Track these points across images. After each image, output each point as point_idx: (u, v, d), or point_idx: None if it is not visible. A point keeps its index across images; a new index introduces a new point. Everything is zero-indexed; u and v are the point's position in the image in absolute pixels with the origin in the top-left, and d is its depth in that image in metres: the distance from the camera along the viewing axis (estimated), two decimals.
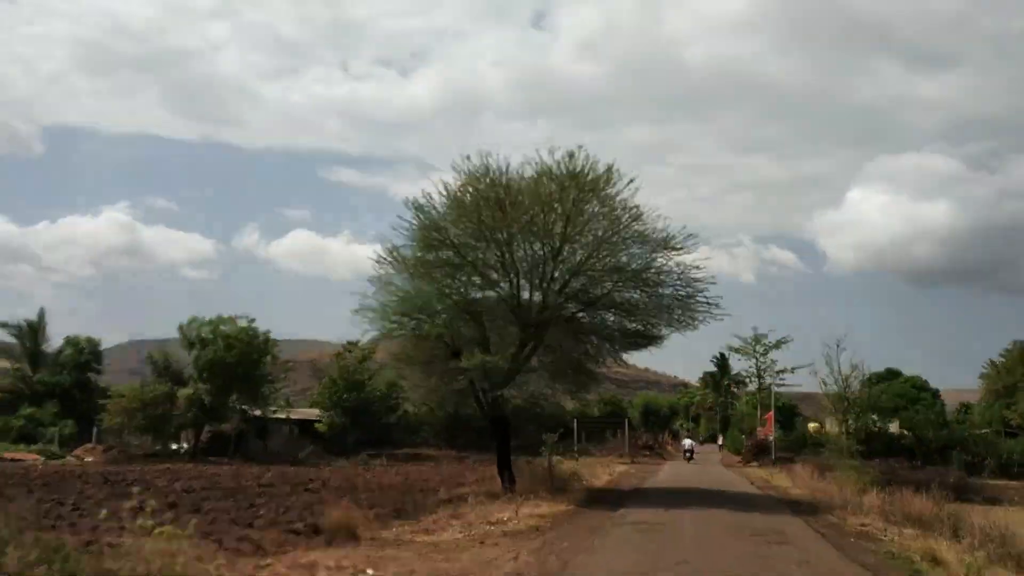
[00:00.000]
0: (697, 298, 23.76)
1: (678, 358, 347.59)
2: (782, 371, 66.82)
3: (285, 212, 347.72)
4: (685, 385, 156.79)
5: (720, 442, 78.40)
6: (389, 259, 23.17)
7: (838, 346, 55.83)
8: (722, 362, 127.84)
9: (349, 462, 52.74)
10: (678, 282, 23.76)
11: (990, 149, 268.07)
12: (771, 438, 48.63)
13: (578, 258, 23.50)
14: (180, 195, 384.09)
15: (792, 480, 31.68)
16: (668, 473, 39.09)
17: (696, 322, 24.16)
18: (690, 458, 56.97)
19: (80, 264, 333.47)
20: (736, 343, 69.01)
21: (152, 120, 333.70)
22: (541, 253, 23.15)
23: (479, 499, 21.68)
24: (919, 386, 78.44)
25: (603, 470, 35.83)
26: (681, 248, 23.35)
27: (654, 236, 23.27)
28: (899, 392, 72.90)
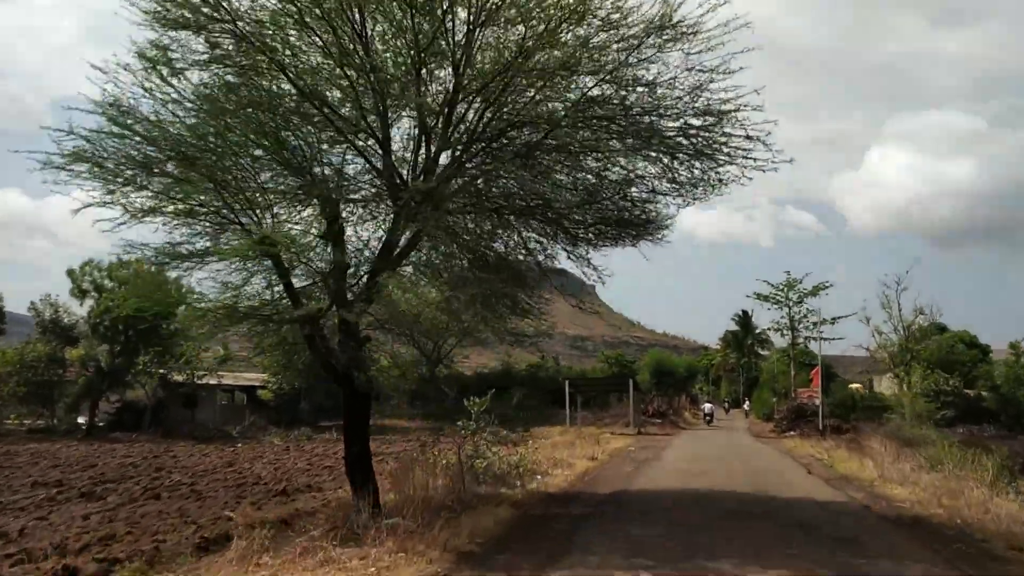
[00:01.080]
0: (723, 131, 11.95)
1: (695, 320, 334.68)
2: (820, 323, 54.80)
3: None
4: (705, 348, 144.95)
5: (747, 406, 66.60)
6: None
7: (899, 285, 44.03)
8: (745, 320, 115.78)
9: (286, 436, 41.72)
10: (687, 102, 11.91)
11: (1014, 106, 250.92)
12: (817, 402, 36.70)
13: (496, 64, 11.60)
14: None
15: (871, 465, 19.82)
16: (679, 452, 27.39)
17: (719, 177, 12.38)
18: (710, 421, 54.56)
19: (95, 238, 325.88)
20: (765, 290, 56.76)
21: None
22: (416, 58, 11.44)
23: (305, 540, 10.33)
24: (969, 342, 66.16)
25: (585, 451, 24.31)
26: (693, 32, 11.56)
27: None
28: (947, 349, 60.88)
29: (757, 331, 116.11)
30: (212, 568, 8.96)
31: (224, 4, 10.77)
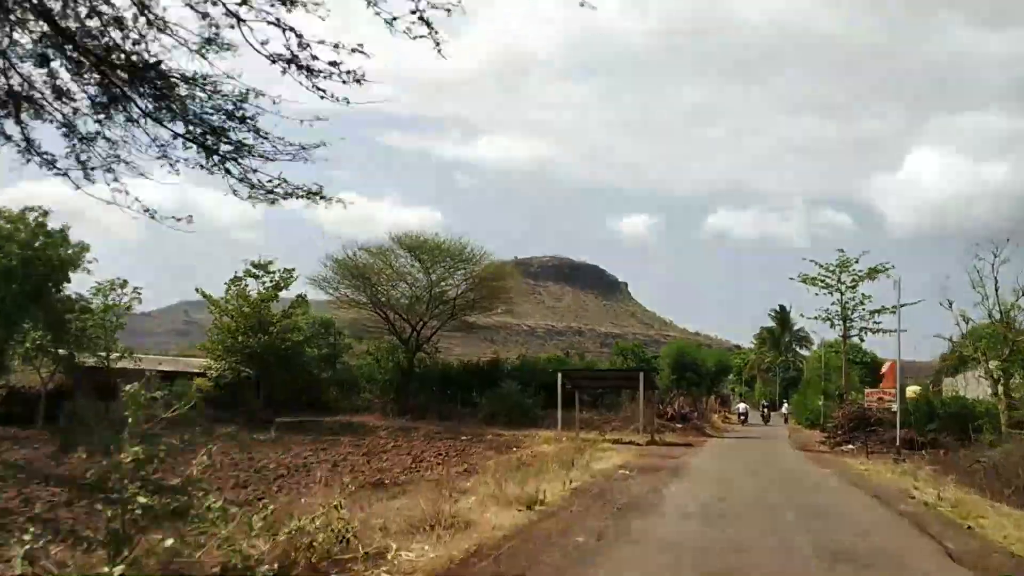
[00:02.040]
0: None
1: (728, 321, 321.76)
2: (878, 311, 44.35)
3: (332, 174, 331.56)
4: (738, 348, 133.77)
5: (785, 410, 56.17)
6: None
7: (996, 257, 33.46)
8: (782, 315, 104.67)
9: (225, 437, 32.50)
10: None
11: None
12: (894, 407, 26.39)
13: None
14: None
15: None
16: (696, 483, 17.18)
17: None
18: (744, 420, 51.57)
19: (131, 227, 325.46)
20: (812, 271, 46.29)
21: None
22: None
23: None
24: None
25: (549, 479, 14.54)
26: None
27: None
28: None
29: (796, 328, 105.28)
30: None
31: None
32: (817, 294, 46.58)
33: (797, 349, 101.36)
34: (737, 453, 27.18)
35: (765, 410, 55.06)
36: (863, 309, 45.15)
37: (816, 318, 46.28)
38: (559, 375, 30.91)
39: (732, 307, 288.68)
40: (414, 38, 6.57)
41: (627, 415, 39.29)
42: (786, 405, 56.44)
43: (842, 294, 45.79)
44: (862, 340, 45.17)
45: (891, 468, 22.00)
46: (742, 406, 55.20)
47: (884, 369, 28.05)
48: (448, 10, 6.49)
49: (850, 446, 31.72)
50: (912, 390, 37.17)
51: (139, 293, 37.28)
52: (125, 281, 36.19)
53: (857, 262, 45.15)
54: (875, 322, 44.81)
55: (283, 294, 42.17)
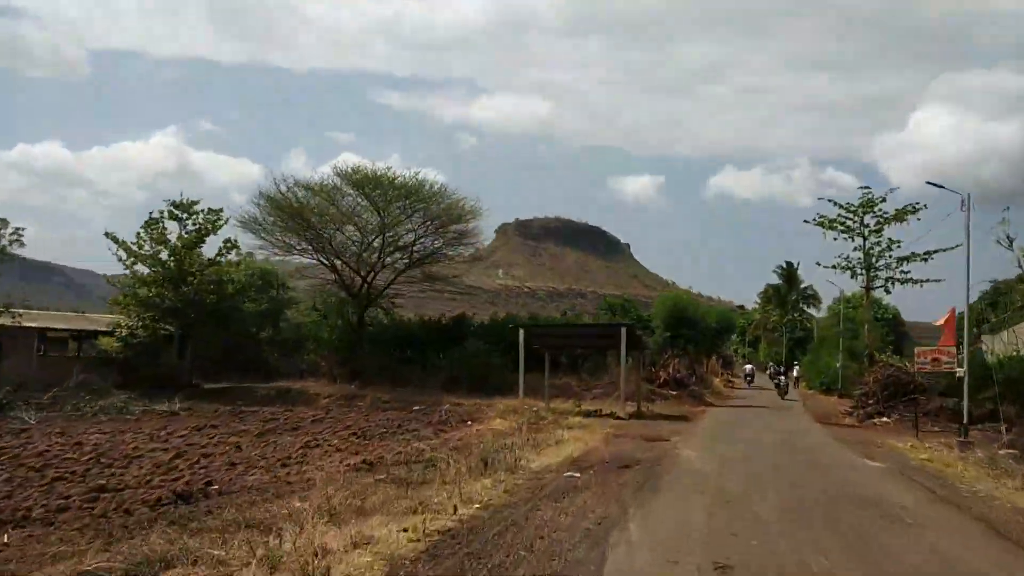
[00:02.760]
0: None
1: (731, 282, 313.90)
2: (907, 258, 37.24)
3: (333, 136, 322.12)
4: (741, 308, 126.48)
5: (795, 373, 49.27)
6: None
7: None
8: (789, 272, 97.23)
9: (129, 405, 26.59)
10: None
11: None
12: (960, 372, 19.34)
13: None
14: (228, 119, 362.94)
15: None
16: (677, 504, 10.11)
17: None
18: (751, 382, 48.71)
19: (132, 188, 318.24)
20: (830, 212, 39.18)
21: (199, 42, 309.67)
22: None
23: None
24: None
25: (430, 497, 7.64)
26: None
27: None
28: None
29: (803, 285, 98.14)
30: None
31: None
32: (836, 239, 39.67)
33: (805, 308, 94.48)
34: (744, 432, 20.38)
35: (782, 378, 44.90)
36: (889, 256, 38.24)
37: (835, 267, 39.34)
38: (520, 332, 24.08)
39: (735, 268, 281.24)
40: None
41: (612, 380, 32.58)
42: (796, 367, 49.55)
43: (865, 239, 38.85)
44: (888, 292, 38.27)
45: (960, 456, 15.23)
46: (748, 367, 53.04)
47: (941, 320, 20.97)
48: None
49: (884, 419, 24.98)
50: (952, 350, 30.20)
51: (20, 234, 30.58)
52: (4, 221, 29.38)
53: (883, 201, 38.07)
54: (902, 271, 38.01)
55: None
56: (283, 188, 32.76)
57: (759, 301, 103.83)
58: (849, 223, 39.03)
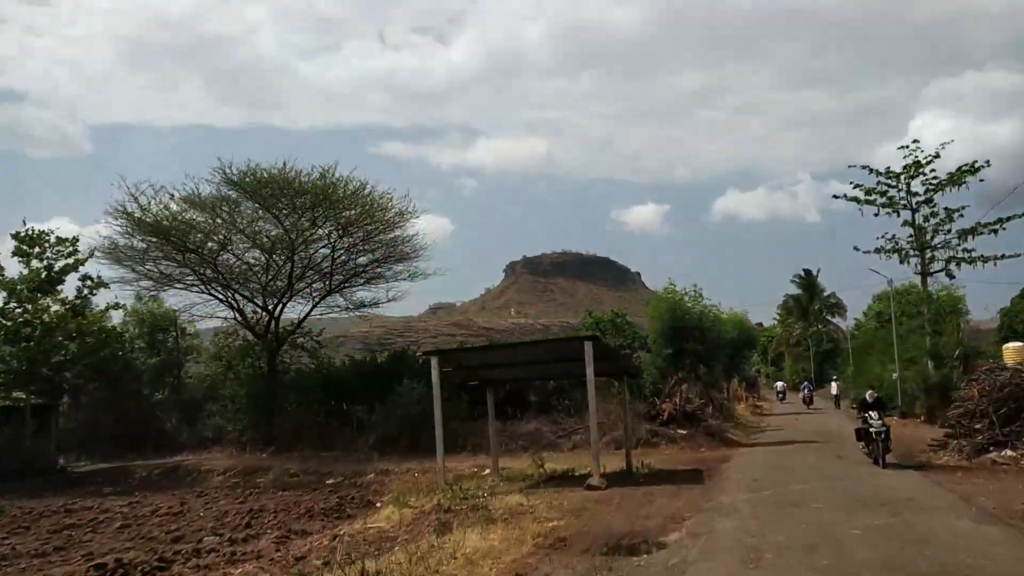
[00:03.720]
0: None
1: (743, 303, 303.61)
2: (973, 230, 28.04)
3: None
4: (760, 326, 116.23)
5: (835, 389, 39.84)
6: None
7: None
8: (808, 280, 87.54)
9: None
10: None
11: None
12: None
13: None
14: None
15: None
16: None
17: None
18: (783, 399, 46.86)
19: None
20: (867, 180, 30.28)
21: (197, 109, 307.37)
22: None
23: None
24: None
25: None
26: None
27: None
28: None
29: (825, 293, 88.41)
30: None
31: None
32: (877, 214, 30.59)
33: (829, 318, 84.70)
34: (804, 508, 11.08)
35: (807, 391, 39.55)
36: (947, 230, 29.07)
37: (880, 251, 30.21)
38: (433, 363, 15.20)
39: (748, 288, 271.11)
40: None
41: (601, 419, 23.44)
42: (834, 383, 40.15)
43: (914, 211, 29.77)
44: (951, 276, 29.07)
45: None
46: (780, 384, 53.61)
47: None
48: None
49: (1009, 452, 15.67)
50: (1013, 347, 20.94)
51: None
52: None
53: (937, 157, 29.00)
54: (965, 249, 28.82)
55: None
56: (143, 201, 24.20)
57: (779, 315, 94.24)
58: (891, 193, 30.08)
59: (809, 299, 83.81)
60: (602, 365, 16.81)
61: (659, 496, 12.97)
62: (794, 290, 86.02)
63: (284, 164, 25.03)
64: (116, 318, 29.07)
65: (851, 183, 29.85)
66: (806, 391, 40.71)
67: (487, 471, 19.71)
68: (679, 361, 23.31)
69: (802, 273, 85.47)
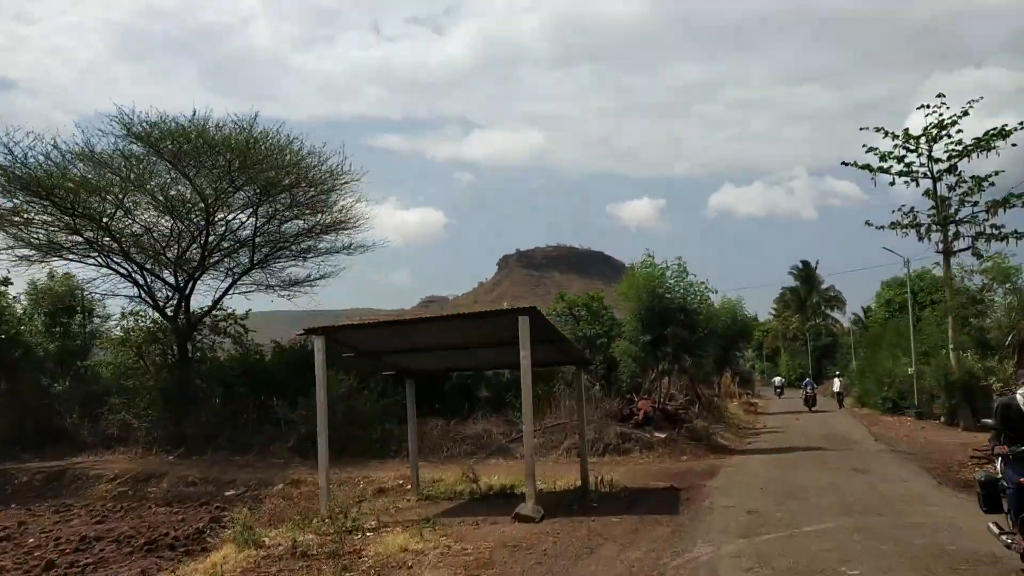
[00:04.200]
0: None
1: (740, 296, 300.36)
2: (1004, 202, 23.80)
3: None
4: (755, 320, 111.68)
5: (838, 386, 35.64)
6: None
7: None
8: (807, 272, 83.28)
9: None
10: None
11: None
12: None
13: None
14: None
15: None
16: None
17: None
18: (780, 394, 47.90)
19: None
20: (882, 144, 25.98)
21: (192, 101, 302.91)
22: None
23: None
24: None
25: None
26: None
27: None
28: None
29: (824, 286, 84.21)
30: None
31: None
32: (892, 183, 26.34)
33: (828, 312, 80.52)
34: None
35: (809, 389, 35.06)
36: (975, 200, 24.82)
37: (896, 226, 25.95)
38: (316, 345, 11.02)
39: (743, 283, 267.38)
40: None
41: (561, 420, 19.32)
42: (837, 380, 36.01)
43: (935, 180, 25.52)
44: (979, 256, 24.84)
45: None
46: (778, 379, 52.81)
47: None
48: None
49: None
50: None
51: None
52: None
53: (965, 115, 24.73)
54: (994, 226, 24.57)
55: None
56: (18, 151, 19.84)
57: (776, 309, 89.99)
58: (908, 159, 25.80)
59: (807, 292, 79.65)
60: (548, 350, 12.58)
61: (610, 539, 8.74)
62: (791, 282, 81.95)
63: (195, 113, 20.75)
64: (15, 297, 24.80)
65: (864, 146, 25.50)
66: (808, 389, 34.62)
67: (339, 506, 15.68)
68: (659, 350, 19.01)
69: (800, 265, 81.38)
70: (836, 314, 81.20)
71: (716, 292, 19.47)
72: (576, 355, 13.60)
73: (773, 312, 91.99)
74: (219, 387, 23.10)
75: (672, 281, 18.97)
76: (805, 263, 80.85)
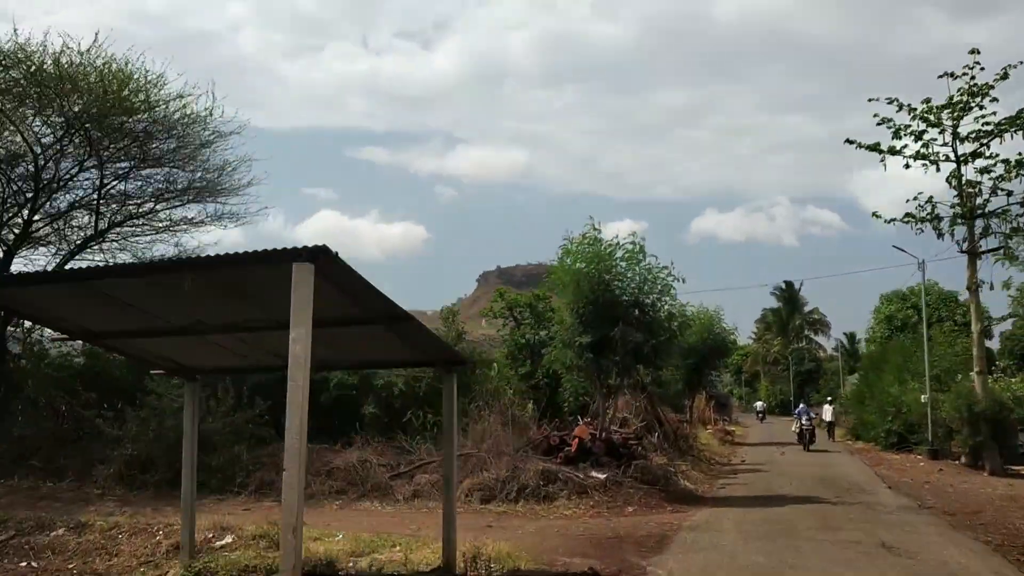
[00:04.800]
0: None
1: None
2: None
3: (311, 192, 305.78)
4: (733, 343, 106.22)
5: (828, 415, 30.49)
6: None
7: None
8: (789, 293, 78.59)
9: None
10: None
11: None
12: None
13: None
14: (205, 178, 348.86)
15: None
16: None
17: None
18: (763, 419, 47.57)
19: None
20: (896, 115, 20.93)
21: None
22: None
23: None
24: None
25: None
26: None
27: None
28: None
29: (807, 309, 79.50)
30: None
31: None
32: (908, 165, 21.47)
33: (811, 336, 75.78)
34: None
35: (804, 420, 26.78)
36: (1009, 189, 19.99)
37: (911, 218, 21.02)
38: None
39: (723, 308, 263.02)
40: None
41: (468, 451, 14.05)
42: (828, 407, 30.94)
43: (960, 162, 20.65)
44: (1013, 258, 19.96)
45: None
46: (760, 404, 51.76)
47: None
48: None
49: None
50: None
51: None
52: None
53: (1004, 78, 19.90)
54: None
55: None
56: None
57: (756, 331, 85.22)
58: (928, 135, 20.92)
59: (789, 313, 74.87)
60: (384, 338, 7.39)
61: None
62: (773, 303, 77.22)
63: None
64: None
65: (875, 116, 20.68)
66: (804, 420, 25.55)
67: (233, 536, 10.53)
68: (604, 358, 13.84)
69: (782, 285, 76.62)
70: (820, 339, 76.55)
71: (684, 282, 14.20)
72: (433, 349, 8.21)
73: (753, 335, 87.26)
74: (55, 393, 17.66)
75: (624, 264, 13.82)
76: (788, 283, 76.24)
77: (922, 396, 21.17)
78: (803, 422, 25.32)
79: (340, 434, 15.36)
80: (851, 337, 59.59)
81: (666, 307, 14.18)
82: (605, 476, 12.61)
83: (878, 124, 20.54)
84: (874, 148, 21.30)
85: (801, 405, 28.22)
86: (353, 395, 15.72)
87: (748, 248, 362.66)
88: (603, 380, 14.34)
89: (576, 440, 13.24)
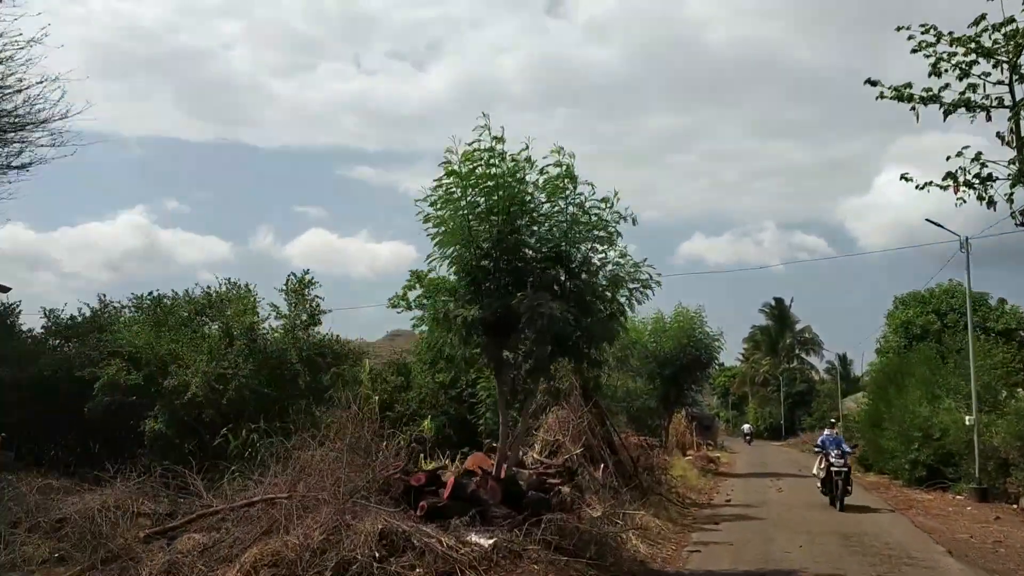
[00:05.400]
0: None
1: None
2: None
3: (302, 211, 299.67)
4: (720, 365, 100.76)
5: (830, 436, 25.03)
6: None
7: None
8: (780, 310, 73.34)
9: None
10: None
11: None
12: None
13: None
14: (197, 197, 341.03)
15: None
16: None
17: None
18: (750, 441, 47.47)
19: (99, 269, 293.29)
20: (923, 40, 15.64)
21: (167, 123, 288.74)
22: None
23: None
24: None
25: None
26: None
27: None
28: None
29: (799, 327, 74.33)
30: None
31: None
32: (947, 114, 16.14)
33: (803, 356, 70.44)
34: None
35: (834, 453, 15.30)
36: None
37: (950, 179, 15.77)
38: None
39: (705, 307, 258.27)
40: None
41: (273, 494, 8.42)
42: (833, 428, 25.39)
43: (1019, 109, 15.43)
44: None
45: None
46: (747, 427, 51.79)
47: None
48: None
49: None
50: None
51: None
52: None
53: None
54: None
55: None
56: None
57: (744, 351, 79.86)
58: (975, 78, 15.87)
59: (779, 331, 69.69)
60: None
61: None
62: (763, 321, 72.04)
63: None
64: None
65: (909, 39, 15.47)
66: (833, 457, 15.46)
67: None
68: (509, 348, 8.59)
69: (772, 302, 71.49)
70: (813, 359, 71.25)
71: (660, 284, 8.85)
72: None
73: (743, 351, 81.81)
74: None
75: (542, 196, 8.57)
76: (778, 300, 71.18)
77: (966, 418, 15.91)
78: (832, 460, 15.49)
79: (122, 460, 9.98)
80: (843, 359, 54.65)
81: (608, 267, 8.85)
82: (492, 541, 7.23)
83: (913, 51, 15.35)
84: (900, 95, 16.16)
85: (826, 432, 17.13)
86: (133, 403, 10.28)
87: (736, 271, 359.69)
88: (508, 381, 8.99)
89: (451, 481, 7.86)
